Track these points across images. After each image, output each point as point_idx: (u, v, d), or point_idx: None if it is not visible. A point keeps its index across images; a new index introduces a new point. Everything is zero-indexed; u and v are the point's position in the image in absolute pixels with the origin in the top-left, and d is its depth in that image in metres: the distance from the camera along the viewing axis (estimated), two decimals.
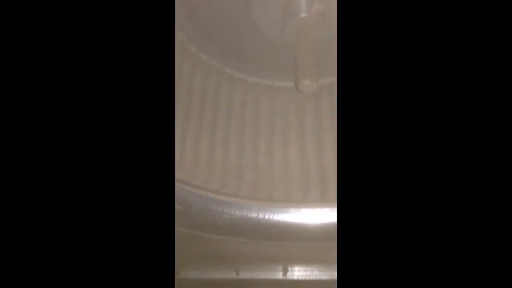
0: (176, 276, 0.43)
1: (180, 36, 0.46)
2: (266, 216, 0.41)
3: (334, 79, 0.50)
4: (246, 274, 0.44)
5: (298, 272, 0.44)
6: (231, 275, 0.44)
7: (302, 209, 0.41)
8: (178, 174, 0.39)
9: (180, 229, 0.40)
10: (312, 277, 0.44)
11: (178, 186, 0.40)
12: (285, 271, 0.44)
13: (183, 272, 0.44)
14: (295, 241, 0.42)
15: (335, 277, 0.43)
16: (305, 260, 0.44)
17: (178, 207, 0.41)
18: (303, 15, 0.39)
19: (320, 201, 0.41)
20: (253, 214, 0.42)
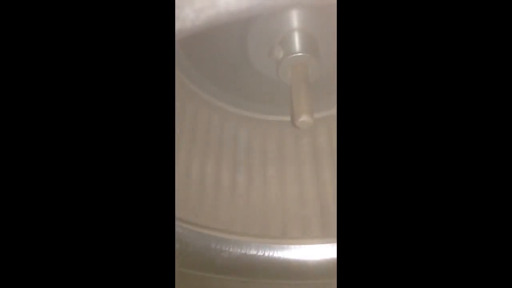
0: None
1: (180, 76, 0.47)
2: (266, 254, 0.41)
3: (329, 112, 0.51)
4: None
5: None
6: None
7: (302, 246, 0.40)
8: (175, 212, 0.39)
9: (178, 268, 0.39)
10: None
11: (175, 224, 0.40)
12: None
13: None
14: (296, 279, 0.41)
15: None
16: None
17: (175, 245, 0.40)
18: (297, 54, 0.40)
19: (320, 237, 0.41)
20: (252, 252, 0.41)
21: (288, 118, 0.50)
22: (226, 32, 0.42)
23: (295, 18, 0.41)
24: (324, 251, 0.40)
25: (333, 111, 0.50)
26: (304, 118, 0.37)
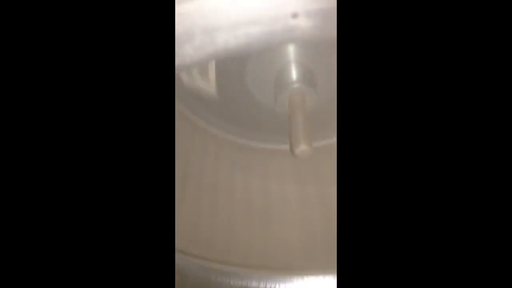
0: None
1: (179, 106, 0.48)
2: (268, 286, 0.40)
3: (327, 141, 0.52)
4: None
5: None
6: None
7: (305, 277, 0.40)
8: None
9: None
10: None
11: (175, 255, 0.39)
12: None
13: None
14: None
15: None
16: None
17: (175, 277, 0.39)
18: (295, 85, 0.41)
19: (323, 268, 0.40)
20: (253, 284, 0.40)
21: (287, 147, 0.51)
22: (225, 66, 0.43)
23: (292, 52, 0.42)
24: (327, 284, 0.39)
25: (329, 141, 0.51)
26: (303, 147, 0.37)
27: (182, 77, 0.45)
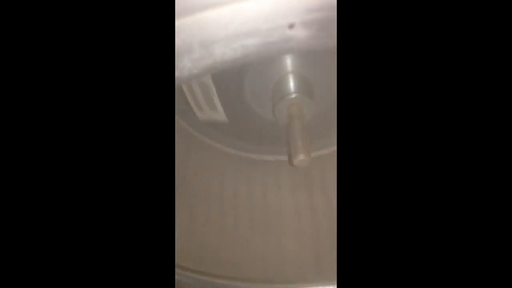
0: None
1: (184, 125, 0.49)
2: None
3: (324, 151, 0.52)
4: None
5: None
6: None
7: None
8: None
9: None
10: None
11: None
12: None
13: None
14: None
15: None
16: None
17: None
18: (293, 95, 0.42)
19: (318, 280, 0.40)
20: None
21: (285, 158, 0.51)
22: (223, 78, 0.43)
23: (289, 62, 0.42)
24: None
25: (328, 150, 0.51)
26: (301, 157, 0.37)
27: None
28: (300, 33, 0.23)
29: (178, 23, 0.23)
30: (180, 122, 0.49)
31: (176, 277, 0.39)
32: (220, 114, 0.45)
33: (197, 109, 0.45)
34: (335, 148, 0.52)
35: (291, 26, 0.23)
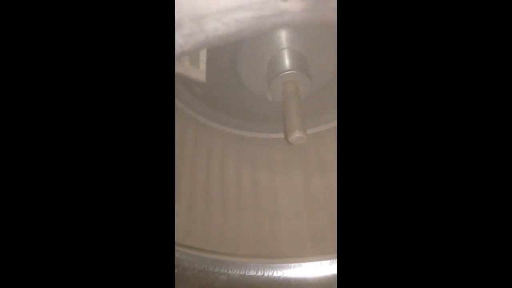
0: None
1: (177, 103, 0.48)
2: (266, 273, 0.40)
3: (320, 128, 0.52)
4: None
5: None
6: None
7: (302, 264, 0.40)
8: None
9: None
10: None
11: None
12: None
13: None
14: None
15: None
16: None
17: None
18: (288, 72, 0.41)
19: (318, 254, 0.40)
20: (252, 272, 0.40)
21: (278, 136, 0.51)
22: (216, 54, 0.42)
23: (284, 38, 0.41)
24: (324, 268, 0.40)
25: (322, 127, 0.51)
26: (297, 134, 0.37)
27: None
28: (295, 6, 0.22)
29: None
30: (177, 103, 0.48)
31: (176, 255, 0.40)
32: (200, 73, 0.44)
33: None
34: (329, 125, 0.52)
35: None
